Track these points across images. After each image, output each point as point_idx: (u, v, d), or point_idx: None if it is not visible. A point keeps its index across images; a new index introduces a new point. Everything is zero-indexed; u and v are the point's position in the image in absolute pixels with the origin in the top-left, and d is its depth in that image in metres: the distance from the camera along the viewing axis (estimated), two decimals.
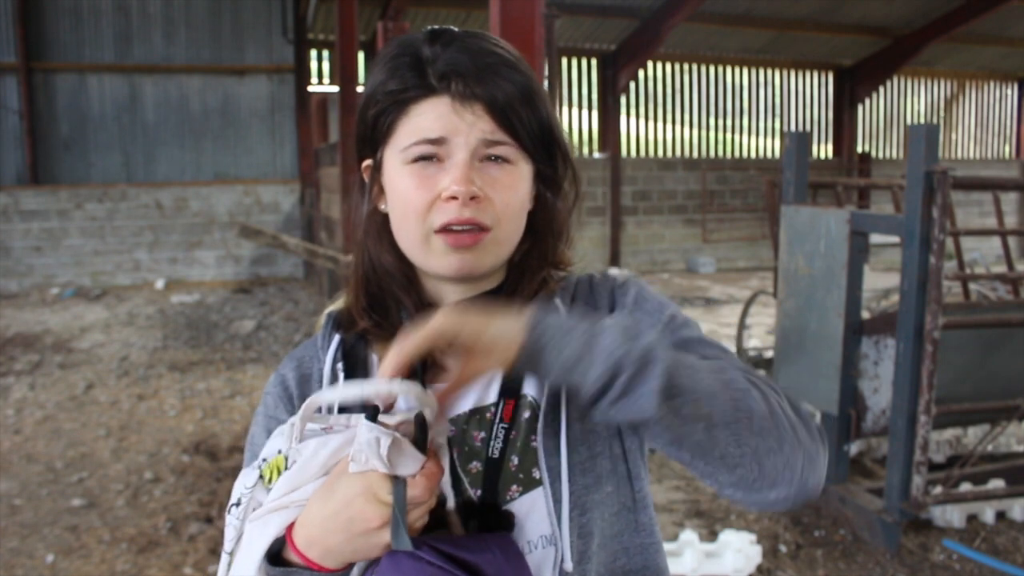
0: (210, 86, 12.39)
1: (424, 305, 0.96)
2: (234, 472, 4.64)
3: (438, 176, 0.89)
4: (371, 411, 0.80)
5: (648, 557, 0.96)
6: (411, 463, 0.78)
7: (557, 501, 0.91)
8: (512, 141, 0.90)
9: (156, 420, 5.69)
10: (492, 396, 0.95)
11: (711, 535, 3.75)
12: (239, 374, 6.89)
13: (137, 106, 12.16)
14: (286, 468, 0.84)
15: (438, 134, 0.88)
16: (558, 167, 0.98)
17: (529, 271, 0.98)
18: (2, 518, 4.12)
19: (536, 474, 0.92)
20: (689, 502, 4.17)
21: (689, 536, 3.54)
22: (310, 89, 12.72)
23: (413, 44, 0.92)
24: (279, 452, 0.85)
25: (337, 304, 1.04)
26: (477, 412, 0.94)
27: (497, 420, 0.93)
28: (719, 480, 0.83)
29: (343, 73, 8.77)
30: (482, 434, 0.93)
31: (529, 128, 0.91)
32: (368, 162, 0.97)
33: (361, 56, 11.54)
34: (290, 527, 0.82)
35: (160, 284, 11.88)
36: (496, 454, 0.92)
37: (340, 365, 0.96)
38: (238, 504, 0.86)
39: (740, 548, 3.47)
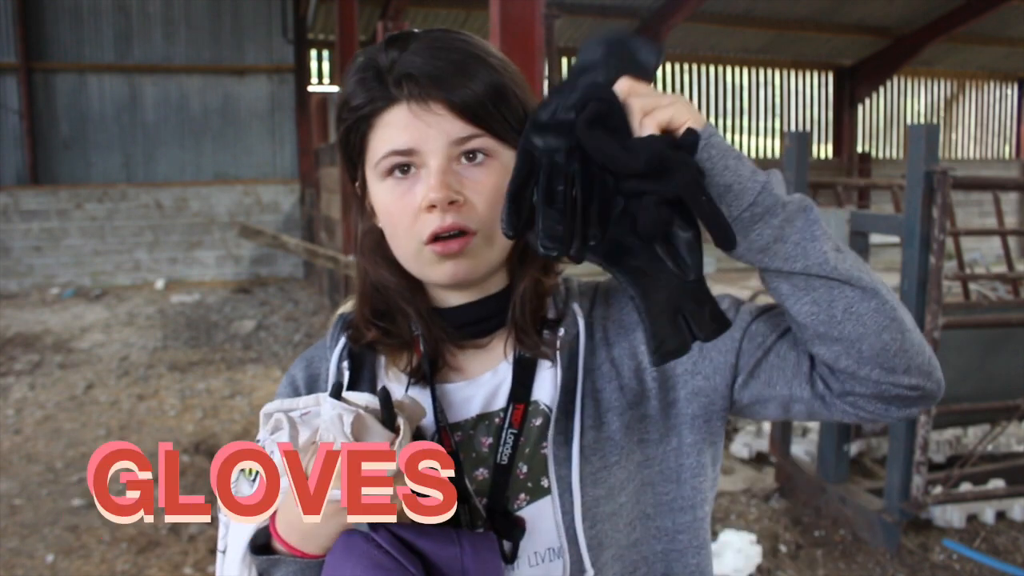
0: (210, 86, 12.39)
1: (431, 311, 0.94)
2: None
3: (416, 187, 0.86)
4: (334, 389, 0.79)
5: (670, 565, 0.94)
6: (377, 440, 0.77)
7: (566, 512, 0.88)
8: (483, 132, 0.85)
9: (156, 420, 5.69)
10: (500, 401, 0.92)
11: (711, 535, 3.75)
12: (239, 374, 6.89)
13: (137, 106, 12.17)
14: None
15: (405, 144, 0.85)
16: None
17: (524, 271, 0.93)
18: (2, 518, 4.12)
19: (545, 483, 0.89)
20: None
21: None
22: (310, 89, 12.71)
23: (373, 54, 0.88)
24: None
25: (348, 306, 1.02)
26: (485, 417, 0.92)
27: (506, 425, 0.90)
28: (858, 350, 0.81)
29: (343, 73, 8.76)
30: (490, 440, 0.91)
31: (501, 119, 0.86)
32: (357, 182, 0.95)
33: None
34: (273, 516, 0.82)
35: (160, 284, 11.87)
36: (505, 460, 0.89)
37: (346, 364, 0.95)
38: None
39: (740, 548, 3.48)
